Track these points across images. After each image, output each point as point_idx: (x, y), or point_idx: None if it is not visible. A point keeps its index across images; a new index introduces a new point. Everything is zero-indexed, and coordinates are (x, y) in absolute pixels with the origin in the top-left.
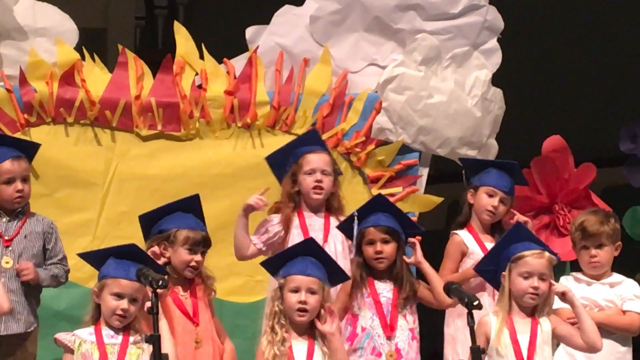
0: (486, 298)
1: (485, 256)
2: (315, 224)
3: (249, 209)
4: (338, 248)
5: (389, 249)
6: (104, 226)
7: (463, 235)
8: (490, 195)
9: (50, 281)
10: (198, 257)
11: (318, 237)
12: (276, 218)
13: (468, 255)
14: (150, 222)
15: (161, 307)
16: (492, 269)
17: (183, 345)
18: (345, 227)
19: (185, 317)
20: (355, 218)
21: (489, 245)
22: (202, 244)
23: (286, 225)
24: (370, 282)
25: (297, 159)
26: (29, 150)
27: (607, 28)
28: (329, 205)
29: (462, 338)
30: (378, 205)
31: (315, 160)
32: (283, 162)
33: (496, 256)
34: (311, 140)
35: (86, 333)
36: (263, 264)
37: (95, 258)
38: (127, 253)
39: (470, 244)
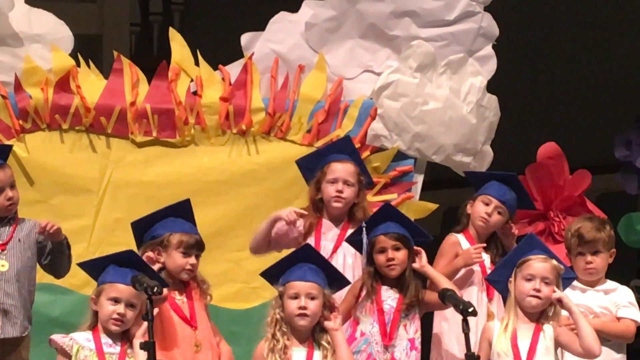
0: (474, 292)
1: (496, 266)
2: (328, 234)
3: (278, 219)
4: (348, 261)
5: (400, 255)
6: (99, 233)
7: (460, 237)
8: (486, 204)
9: (67, 245)
10: (192, 260)
11: (328, 247)
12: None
13: None
14: (143, 228)
15: (159, 313)
16: (503, 280)
17: (183, 350)
18: (353, 240)
19: (183, 321)
20: (364, 229)
21: (483, 255)
22: (196, 247)
23: (308, 231)
24: (378, 289)
25: (323, 167)
26: (2, 154)
27: (602, 35)
28: (353, 216)
29: (447, 341)
30: (387, 213)
31: (339, 169)
32: (312, 167)
33: (507, 266)
34: (343, 148)
35: (83, 338)
36: (262, 274)
37: (93, 267)
38: (124, 260)
39: (465, 247)
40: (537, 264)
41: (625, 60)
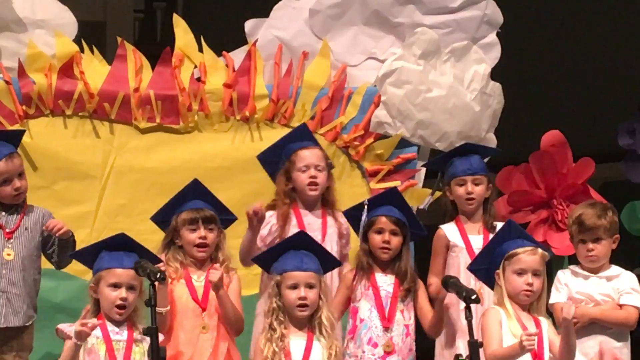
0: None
1: (478, 255)
2: (313, 224)
3: (251, 219)
4: (334, 248)
5: (396, 241)
6: (102, 219)
7: (446, 229)
8: (462, 184)
9: (72, 242)
10: (201, 233)
11: (316, 238)
12: (272, 216)
13: (451, 249)
14: (161, 219)
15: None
16: (485, 268)
17: (186, 329)
18: (352, 215)
19: (194, 301)
20: (366, 207)
21: (474, 237)
22: (203, 220)
23: (283, 221)
24: (372, 274)
25: (289, 156)
26: (15, 140)
27: (606, 23)
28: (325, 200)
29: (439, 351)
30: (392, 197)
31: (308, 156)
32: (275, 159)
33: (489, 254)
34: (302, 136)
35: None
36: (254, 260)
37: (86, 255)
38: (117, 244)
39: (453, 237)
40: (527, 258)
41: (629, 48)
